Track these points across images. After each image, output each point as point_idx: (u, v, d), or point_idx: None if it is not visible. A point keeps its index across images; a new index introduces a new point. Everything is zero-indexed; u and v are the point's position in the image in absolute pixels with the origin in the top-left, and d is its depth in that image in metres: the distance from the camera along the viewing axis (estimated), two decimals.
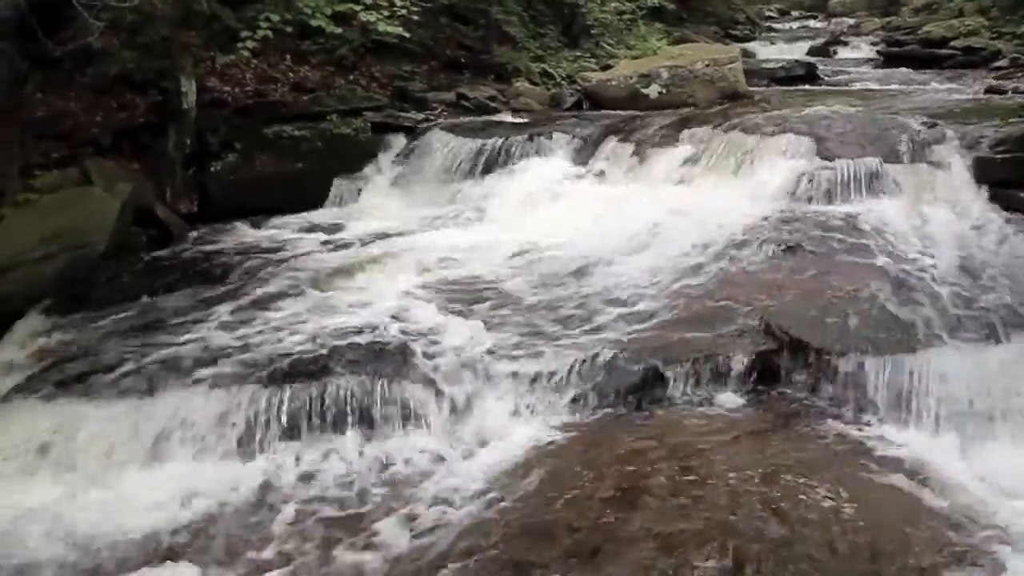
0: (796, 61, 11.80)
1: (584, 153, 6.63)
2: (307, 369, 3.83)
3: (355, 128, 7.09)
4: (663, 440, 3.53)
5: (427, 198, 6.57)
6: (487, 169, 6.61)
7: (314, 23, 6.82)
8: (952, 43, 12.55)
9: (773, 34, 18.06)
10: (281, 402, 3.64)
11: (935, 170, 5.44)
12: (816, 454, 3.42)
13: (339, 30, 7.05)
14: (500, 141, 6.74)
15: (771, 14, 21.86)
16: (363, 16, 6.91)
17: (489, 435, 3.64)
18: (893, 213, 5.16)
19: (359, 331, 4.19)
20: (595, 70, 9.42)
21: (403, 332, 4.17)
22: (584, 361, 3.92)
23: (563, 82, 9.23)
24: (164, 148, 6.23)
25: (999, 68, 10.72)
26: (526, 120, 7.58)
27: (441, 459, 3.49)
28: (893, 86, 9.80)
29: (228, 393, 3.70)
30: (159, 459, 3.50)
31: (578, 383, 3.85)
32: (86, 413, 3.64)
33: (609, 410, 3.78)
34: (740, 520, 2.98)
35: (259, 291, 4.86)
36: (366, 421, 3.64)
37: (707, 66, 8.54)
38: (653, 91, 8.32)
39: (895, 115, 6.37)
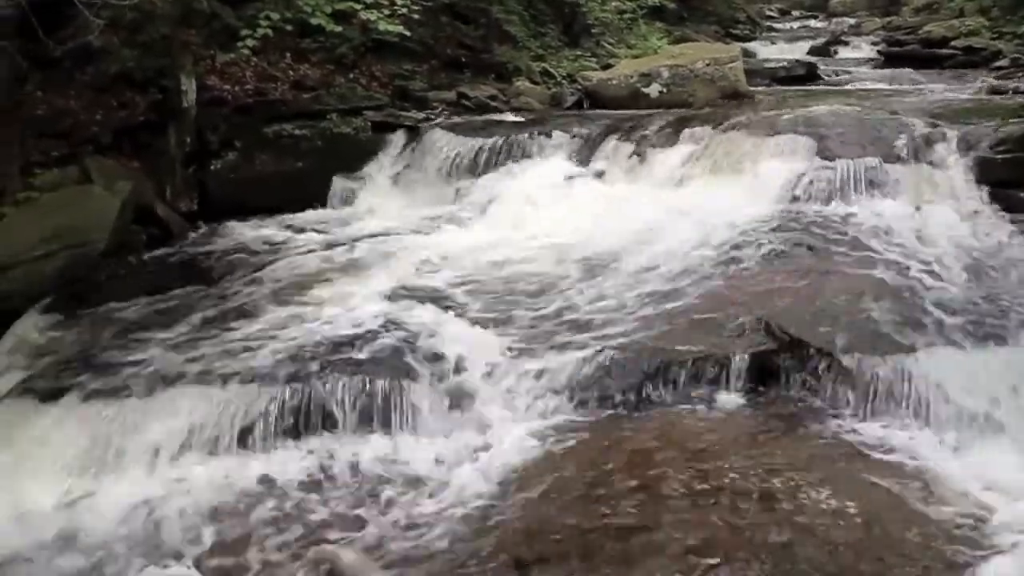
0: (797, 61, 11.79)
1: (584, 152, 6.63)
2: (306, 369, 3.83)
3: (355, 127, 7.08)
4: (663, 440, 3.53)
5: (427, 197, 6.57)
6: (487, 168, 6.61)
7: (314, 21, 6.81)
8: (953, 43, 12.54)
9: (774, 34, 18.04)
10: (281, 402, 3.64)
11: (935, 170, 5.44)
12: (815, 454, 3.42)
13: (339, 28, 7.04)
14: (501, 140, 6.73)
15: (772, 14, 21.83)
16: (363, 15, 6.91)
17: (489, 435, 3.64)
18: (893, 213, 5.16)
19: (358, 330, 4.19)
20: (596, 69, 9.42)
21: (402, 332, 4.16)
22: (584, 361, 3.91)
23: (563, 81, 9.22)
24: (164, 147, 6.22)
25: (1000, 68, 10.70)
26: (526, 119, 7.57)
27: (441, 459, 3.49)
28: (893, 86, 9.80)
29: (227, 392, 3.70)
30: (159, 459, 3.49)
31: (578, 383, 3.85)
32: (86, 412, 3.64)
33: (609, 410, 3.77)
34: (740, 520, 2.98)
35: (259, 290, 4.86)
36: (365, 421, 3.64)
37: (708, 65, 8.53)
38: (654, 90, 8.31)
39: (895, 115, 6.37)
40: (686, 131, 6.45)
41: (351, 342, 4.07)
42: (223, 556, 3.00)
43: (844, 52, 14.81)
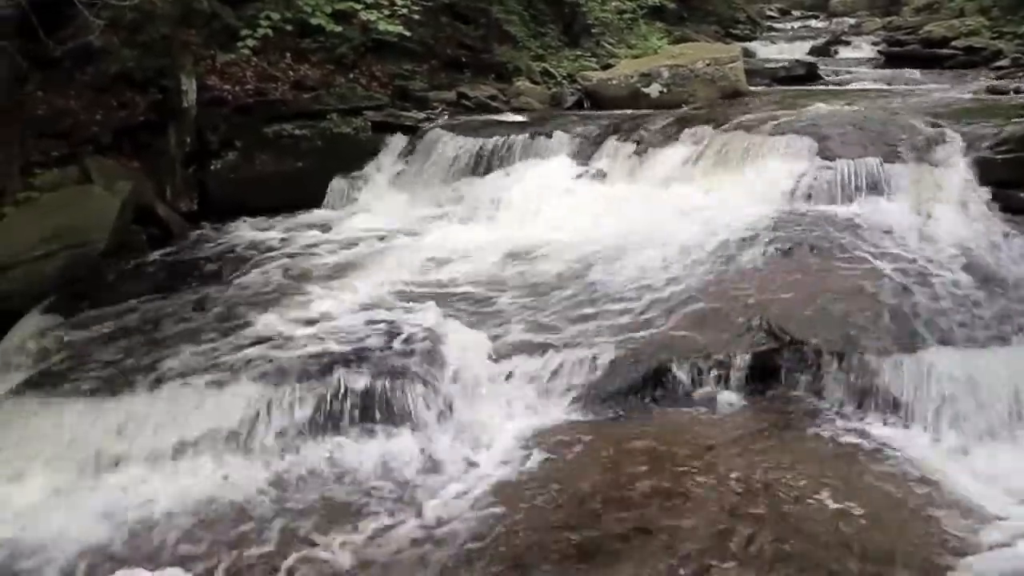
0: (797, 61, 11.76)
1: (585, 153, 6.62)
2: (306, 369, 3.83)
3: (355, 127, 7.08)
4: (664, 440, 3.53)
5: (427, 197, 6.57)
6: (488, 168, 6.60)
7: (314, 21, 6.81)
8: (953, 43, 12.52)
9: (774, 33, 18.02)
10: (281, 402, 3.64)
11: (936, 170, 5.42)
12: (817, 454, 3.42)
13: (339, 28, 7.03)
14: (501, 140, 6.73)
15: (772, 13, 21.80)
16: (363, 15, 6.90)
17: (490, 435, 3.64)
18: (894, 213, 5.15)
19: (359, 330, 4.19)
20: (596, 69, 9.41)
21: (402, 331, 4.16)
22: (584, 361, 3.91)
23: (564, 81, 9.22)
24: (164, 146, 6.23)
25: (1000, 68, 10.69)
26: (527, 119, 7.56)
27: (441, 459, 3.49)
28: (894, 86, 9.77)
29: (227, 392, 3.70)
30: (159, 458, 3.49)
31: (579, 383, 3.85)
32: (86, 412, 3.64)
33: (609, 410, 3.78)
34: (741, 520, 2.98)
35: (259, 290, 4.87)
36: (365, 421, 3.63)
37: (708, 65, 8.52)
38: (654, 90, 8.31)
39: (896, 115, 6.36)
40: (686, 131, 6.44)
41: (351, 342, 4.06)
42: (216, 555, 2.99)
43: (844, 52, 14.80)
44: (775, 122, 6.22)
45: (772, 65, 11.32)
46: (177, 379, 3.82)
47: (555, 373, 3.88)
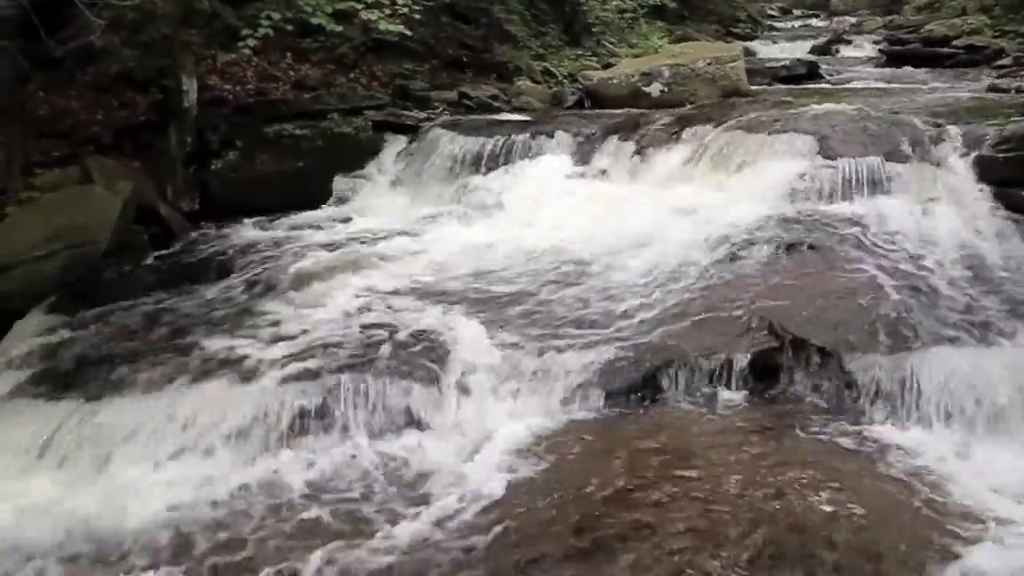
0: (798, 60, 11.75)
1: (586, 152, 6.62)
2: (307, 368, 3.83)
3: (356, 127, 7.08)
4: (665, 439, 3.53)
5: (428, 197, 6.56)
6: (489, 168, 6.60)
7: (315, 21, 6.80)
8: (954, 42, 12.51)
9: (775, 33, 18.02)
10: (282, 401, 3.64)
11: (937, 169, 5.42)
12: (817, 453, 3.42)
13: (340, 28, 7.03)
14: (502, 140, 6.72)
15: (773, 12, 21.80)
16: (364, 14, 6.89)
17: (491, 434, 3.64)
18: (895, 212, 5.14)
19: (359, 330, 4.20)
20: (596, 68, 9.41)
21: (403, 330, 4.17)
22: (585, 360, 3.91)
23: (564, 81, 9.22)
24: (165, 146, 6.22)
25: (1001, 67, 10.67)
26: (528, 119, 7.57)
27: (442, 459, 3.49)
28: (895, 85, 9.77)
29: (228, 392, 3.70)
30: (159, 458, 3.50)
31: (579, 382, 3.85)
32: (86, 412, 3.64)
33: (610, 409, 3.78)
34: (741, 519, 2.98)
35: (259, 290, 4.87)
36: (367, 421, 3.64)
37: (709, 64, 8.53)
38: (655, 89, 8.31)
39: (897, 114, 6.36)
40: (687, 130, 6.44)
41: (352, 342, 4.07)
42: (217, 554, 2.99)
43: (846, 51, 14.79)
44: (776, 121, 6.22)
45: (773, 64, 11.31)
46: (178, 379, 3.82)
47: (555, 372, 3.88)
